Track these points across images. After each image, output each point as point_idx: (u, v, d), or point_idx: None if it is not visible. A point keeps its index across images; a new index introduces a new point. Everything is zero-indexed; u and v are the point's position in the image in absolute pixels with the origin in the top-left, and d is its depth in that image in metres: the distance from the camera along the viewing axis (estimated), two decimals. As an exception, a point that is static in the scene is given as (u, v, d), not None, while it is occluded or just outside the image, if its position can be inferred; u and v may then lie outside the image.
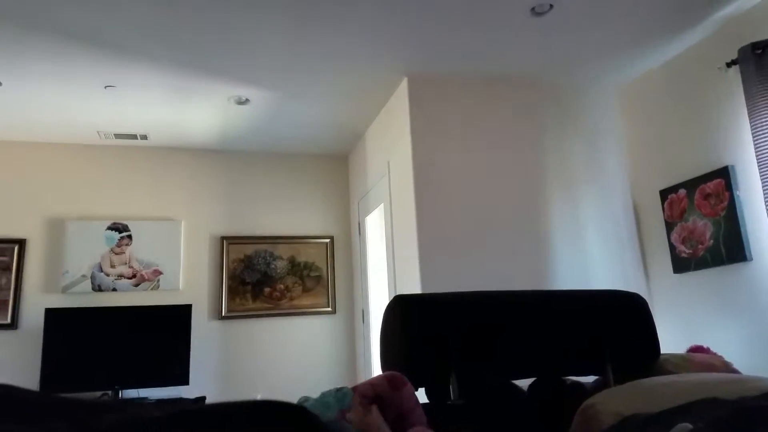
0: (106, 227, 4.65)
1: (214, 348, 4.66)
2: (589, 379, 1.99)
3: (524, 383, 1.91)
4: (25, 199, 4.57)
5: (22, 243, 4.48)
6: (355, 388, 1.39)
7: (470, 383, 1.73)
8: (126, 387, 4.16)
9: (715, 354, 1.95)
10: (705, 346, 1.99)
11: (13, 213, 4.52)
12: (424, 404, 1.81)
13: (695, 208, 3.60)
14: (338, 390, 1.36)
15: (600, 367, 1.85)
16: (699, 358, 1.83)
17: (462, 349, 1.67)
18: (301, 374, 4.78)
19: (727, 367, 1.84)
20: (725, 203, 3.39)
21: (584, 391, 2.00)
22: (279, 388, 4.67)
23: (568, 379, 2.02)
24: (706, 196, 3.52)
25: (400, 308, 1.67)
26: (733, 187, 3.34)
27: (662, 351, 3.81)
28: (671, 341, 3.73)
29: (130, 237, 4.68)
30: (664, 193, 3.83)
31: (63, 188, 4.67)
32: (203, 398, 1.68)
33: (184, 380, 4.24)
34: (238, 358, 4.69)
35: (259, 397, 4.19)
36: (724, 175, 3.40)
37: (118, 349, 4.23)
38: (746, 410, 0.78)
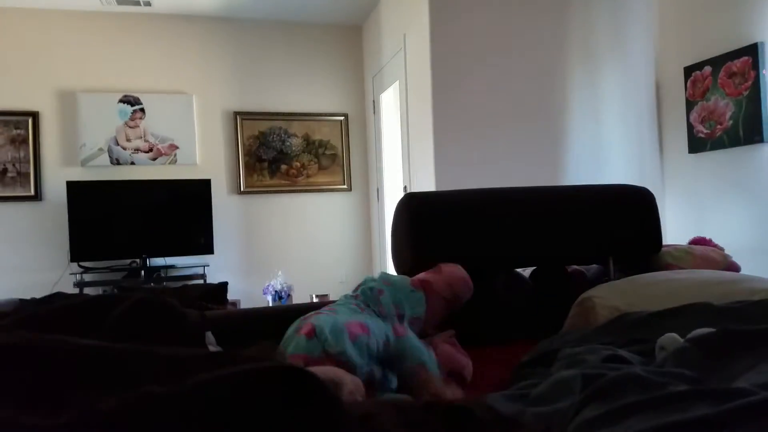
0: (117, 100, 4.63)
1: (235, 221, 4.85)
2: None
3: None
4: (34, 70, 4.51)
5: (35, 116, 4.50)
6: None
7: (477, 275, 1.84)
8: (153, 255, 4.41)
9: (716, 246, 2.02)
10: (707, 237, 2.05)
11: (23, 85, 4.49)
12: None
13: (718, 87, 3.49)
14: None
15: (602, 258, 1.94)
16: (699, 251, 1.90)
17: (467, 243, 1.75)
18: (319, 247, 5.01)
19: (726, 260, 1.92)
20: (749, 83, 3.29)
21: (585, 278, 2.11)
22: (298, 260, 4.92)
23: (571, 267, 2.13)
24: (731, 75, 3.40)
25: (411, 206, 1.73)
26: (761, 65, 3.22)
27: (670, 232, 3.93)
28: (681, 222, 3.82)
29: (143, 111, 4.68)
30: (689, 71, 3.70)
31: (71, 59, 4.58)
32: (225, 284, 1.81)
33: (209, 250, 4.48)
34: (258, 232, 4.90)
35: (279, 273, 4.44)
36: (752, 52, 3.25)
37: (142, 221, 4.42)
38: (730, 334, 0.85)
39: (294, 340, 1.16)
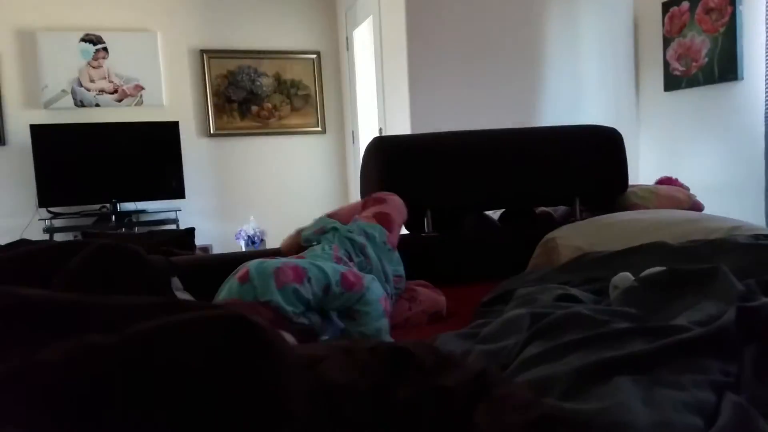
0: (79, 39, 4.43)
1: (206, 165, 4.76)
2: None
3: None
4: (-12, 8, 4.27)
5: (-6, 57, 4.30)
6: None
7: (445, 217, 1.85)
8: (123, 200, 4.35)
9: (682, 186, 2.05)
10: (674, 177, 2.08)
11: (-22, 25, 4.26)
12: (404, 235, 1.95)
13: (695, 23, 3.46)
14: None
15: (569, 199, 1.96)
16: (664, 191, 1.93)
17: (436, 187, 1.76)
18: (293, 191, 4.96)
19: (690, 200, 1.95)
20: (726, 19, 3.26)
21: (553, 219, 2.15)
22: (272, 204, 4.88)
23: (539, 209, 2.16)
24: (708, 11, 3.36)
25: (379, 150, 1.72)
26: (737, 0, 3.18)
27: (643, 170, 3.97)
28: (656, 160, 3.86)
29: (106, 50, 4.49)
30: (666, 6, 3.64)
31: (26, -4, 4.34)
32: (192, 229, 1.80)
33: (179, 194, 4.42)
34: (230, 175, 4.82)
35: (251, 219, 4.41)
36: (731, -13, 3.21)
37: (111, 165, 4.32)
38: (676, 273, 0.87)
39: (228, 284, 1.15)
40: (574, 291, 0.98)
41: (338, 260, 1.34)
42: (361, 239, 1.44)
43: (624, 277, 1.05)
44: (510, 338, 0.74)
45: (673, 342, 0.61)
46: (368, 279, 1.25)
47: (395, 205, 1.63)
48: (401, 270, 1.50)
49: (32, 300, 0.60)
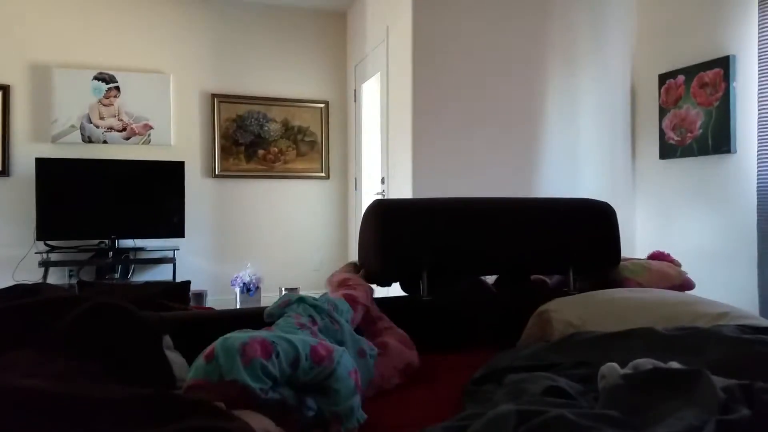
0: (92, 77, 4.54)
1: (208, 205, 4.82)
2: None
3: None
4: (7, 42, 4.39)
5: (6, 89, 4.39)
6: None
7: (441, 281, 1.87)
8: (122, 237, 4.37)
9: (673, 261, 2.08)
10: (665, 252, 2.11)
11: (-5, 57, 4.37)
12: (399, 297, 1.97)
13: (690, 96, 3.56)
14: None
15: (563, 268, 1.99)
16: (656, 266, 1.97)
17: (433, 250, 1.78)
18: (294, 234, 5.01)
19: (681, 276, 1.98)
20: (720, 94, 3.36)
21: (547, 287, 2.17)
22: (271, 248, 4.91)
23: (534, 276, 2.18)
24: (703, 85, 3.47)
25: (378, 213, 1.75)
26: (731, 78, 3.29)
27: (639, 234, 4.01)
28: (651, 225, 3.91)
29: (117, 89, 4.59)
30: (663, 78, 3.76)
31: (46, 33, 4.47)
32: (188, 282, 1.81)
33: (179, 233, 4.45)
34: (231, 217, 4.87)
35: (248, 265, 4.43)
36: (724, 64, 3.32)
37: (113, 201, 4.37)
38: (660, 374, 0.89)
39: (195, 363, 1.11)
40: (562, 382, 0.99)
41: (301, 326, 1.32)
42: (326, 306, 1.45)
43: (611, 368, 1.07)
44: (495, 438, 0.76)
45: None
46: (338, 352, 1.20)
47: (363, 290, 1.68)
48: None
49: (25, 393, 0.62)
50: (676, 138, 3.68)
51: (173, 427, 0.50)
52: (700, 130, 3.49)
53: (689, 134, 3.58)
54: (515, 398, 0.93)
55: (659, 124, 3.80)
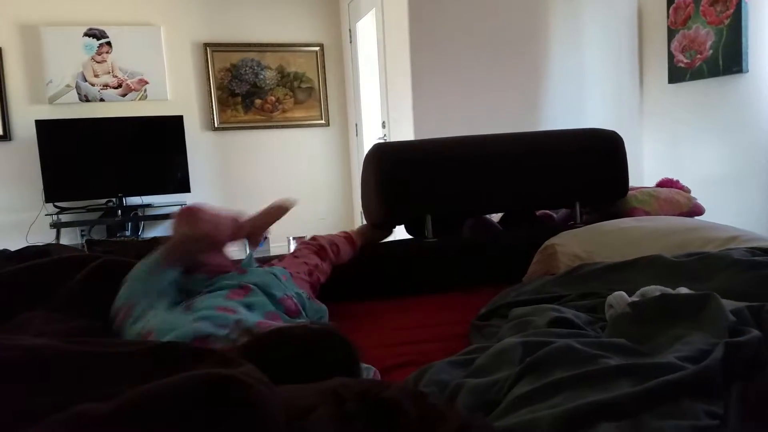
0: (82, 34, 4.43)
1: (211, 159, 4.78)
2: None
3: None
4: (-9, 3, 4.27)
5: (-2, 52, 4.31)
6: None
7: (446, 222, 1.86)
8: (129, 194, 4.38)
9: (683, 188, 2.05)
10: (674, 179, 2.07)
11: (-19, 19, 4.27)
12: (404, 240, 1.96)
13: (700, 15, 3.42)
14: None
15: (570, 202, 1.96)
16: (664, 194, 1.93)
17: (435, 192, 1.76)
18: (298, 184, 4.97)
19: (690, 203, 1.95)
20: (731, 11, 3.22)
21: (553, 221, 2.15)
22: (276, 197, 4.86)
23: (539, 211, 2.16)
24: (713, 3, 3.32)
25: (378, 157, 1.72)
26: (744, -8, 3.14)
27: (647, 163, 3.95)
28: (659, 152, 3.84)
29: (109, 44, 4.49)
30: (671, -3, 3.60)
31: (29, -11, 4.33)
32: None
33: (185, 188, 4.45)
34: (234, 169, 4.84)
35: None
36: (737, -21, 3.16)
37: (116, 159, 4.35)
38: (667, 300, 0.88)
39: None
40: (569, 313, 0.99)
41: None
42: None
43: (619, 297, 1.06)
44: (501, 371, 0.76)
45: (658, 385, 0.62)
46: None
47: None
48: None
49: (37, 352, 0.62)
50: (685, 60, 3.56)
51: (180, 376, 0.50)
52: (710, 51, 3.37)
53: (699, 56, 3.46)
54: (521, 331, 0.93)
55: (667, 46, 3.67)
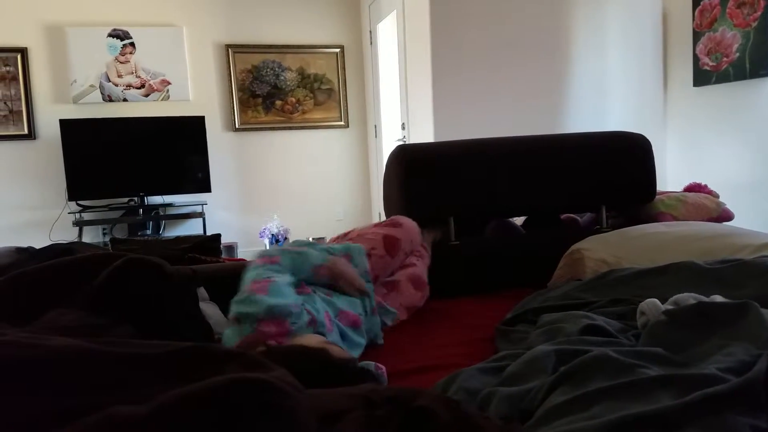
0: (106, 34, 4.48)
1: (231, 159, 4.81)
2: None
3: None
4: (21, 4, 4.34)
5: (23, 52, 4.37)
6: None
7: (469, 225, 1.84)
8: (151, 194, 4.42)
9: (711, 192, 2.01)
10: (703, 183, 2.03)
11: (9, 20, 4.34)
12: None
13: (726, 18, 3.36)
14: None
15: (595, 206, 1.93)
16: (692, 199, 1.89)
17: (459, 194, 1.74)
18: (317, 185, 4.99)
19: (719, 208, 1.91)
20: (758, 13, 3.16)
21: (578, 225, 2.12)
22: (296, 199, 4.91)
23: (564, 215, 2.13)
24: (740, 5, 3.26)
25: (401, 158, 1.71)
26: (773, -5, 3.08)
27: (670, 167, 3.88)
28: (683, 156, 3.78)
29: (133, 45, 4.53)
30: (697, 0, 3.54)
31: (55, -9, 4.40)
32: (219, 235, 1.81)
33: (205, 188, 4.48)
34: (255, 169, 4.86)
35: (275, 217, 4.45)
36: (766, -19, 3.10)
37: (138, 159, 4.39)
38: (704, 308, 0.85)
39: (227, 330, 1.21)
40: (600, 320, 0.96)
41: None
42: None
43: (652, 304, 1.03)
44: (534, 380, 0.74)
45: (700, 397, 0.60)
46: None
47: (408, 229, 1.62)
48: (359, 309, 1.38)
49: (63, 352, 0.62)
50: (711, 63, 3.50)
51: (211, 380, 0.49)
52: (737, 54, 3.31)
53: (725, 59, 3.39)
54: (552, 338, 0.91)
55: (693, 49, 3.61)
